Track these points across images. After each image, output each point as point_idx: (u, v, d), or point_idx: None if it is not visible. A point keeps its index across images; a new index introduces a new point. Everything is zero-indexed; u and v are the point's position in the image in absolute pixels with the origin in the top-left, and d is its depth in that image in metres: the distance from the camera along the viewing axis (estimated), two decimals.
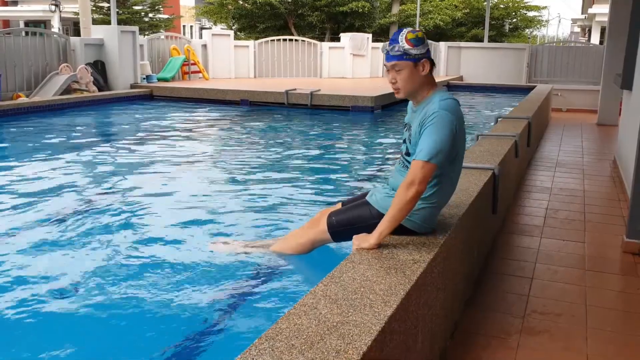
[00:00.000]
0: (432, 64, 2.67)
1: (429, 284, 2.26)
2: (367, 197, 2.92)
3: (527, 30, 33.54)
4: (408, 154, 2.68)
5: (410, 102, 2.76)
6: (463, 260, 2.94)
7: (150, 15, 31.64)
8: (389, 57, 2.61)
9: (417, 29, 2.63)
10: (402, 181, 2.50)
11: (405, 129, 2.75)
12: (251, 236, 3.82)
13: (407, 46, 2.56)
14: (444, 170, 2.58)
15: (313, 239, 3.10)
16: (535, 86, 12.10)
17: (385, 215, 2.50)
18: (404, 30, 2.62)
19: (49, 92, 10.46)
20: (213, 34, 15.45)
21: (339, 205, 3.17)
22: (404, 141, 2.74)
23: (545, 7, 33.74)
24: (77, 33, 25.89)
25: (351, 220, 2.88)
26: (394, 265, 2.21)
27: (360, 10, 23.32)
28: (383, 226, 2.46)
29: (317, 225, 3.07)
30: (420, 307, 2.15)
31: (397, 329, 1.87)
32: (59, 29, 27.62)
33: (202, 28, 43.53)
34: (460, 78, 14.91)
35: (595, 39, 34.37)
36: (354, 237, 2.49)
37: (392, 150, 7.56)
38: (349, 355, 1.55)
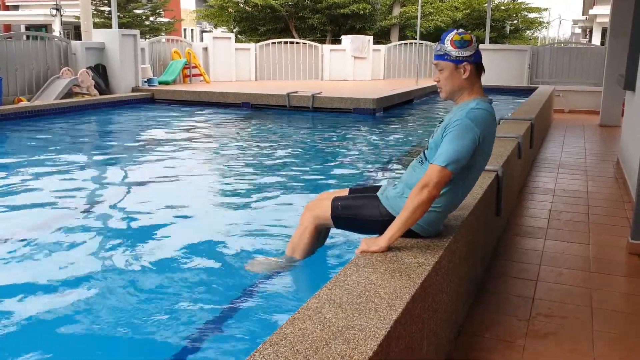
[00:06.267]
0: (479, 69, 2.64)
1: (434, 287, 2.24)
2: (378, 193, 2.84)
3: (528, 31, 33.48)
4: (428, 149, 2.65)
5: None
6: (467, 263, 2.92)
7: (151, 18, 31.67)
8: (434, 55, 2.64)
9: (467, 31, 2.62)
10: (416, 184, 2.46)
11: (439, 124, 2.71)
12: (251, 237, 3.79)
13: (449, 47, 2.56)
14: (455, 178, 2.53)
15: (314, 220, 2.97)
16: (537, 87, 12.08)
17: (397, 219, 2.46)
18: (454, 30, 2.61)
19: (50, 96, 10.47)
20: (214, 37, 15.45)
21: (345, 191, 3.09)
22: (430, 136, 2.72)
23: (546, 8, 33.70)
24: (78, 37, 25.94)
25: (357, 211, 2.80)
26: (399, 269, 2.19)
27: (361, 12, 23.30)
28: (394, 229, 2.42)
29: (319, 206, 2.96)
30: (425, 311, 2.12)
31: (403, 333, 1.84)
32: (60, 33, 27.67)
33: (202, 31, 43.57)
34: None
35: (596, 39, 34.34)
36: (363, 240, 2.45)
37: (394, 152, 7.54)
38: None
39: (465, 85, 2.62)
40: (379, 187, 2.95)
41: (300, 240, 3.05)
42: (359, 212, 2.80)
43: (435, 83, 2.69)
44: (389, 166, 6.56)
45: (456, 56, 2.56)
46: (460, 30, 2.62)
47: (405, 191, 2.68)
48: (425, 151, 2.68)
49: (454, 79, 2.59)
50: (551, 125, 10.39)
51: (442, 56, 2.59)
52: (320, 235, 3.09)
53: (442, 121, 2.69)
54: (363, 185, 3.23)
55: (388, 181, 3.11)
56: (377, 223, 2.69)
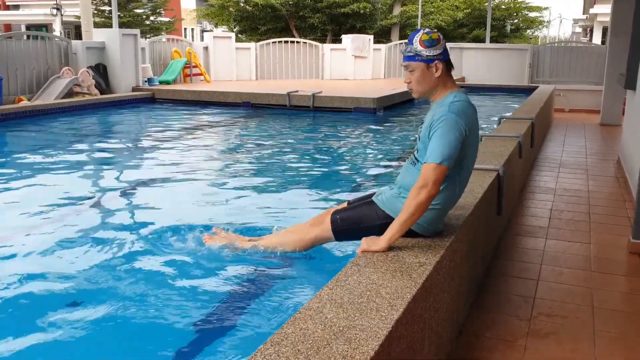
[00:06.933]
0: (449, 66, 2.65)
1: (435, 286, 2.24)
2: (373, 198, 2.87)
3: (529, 30, 33.49)
4: (418, 151, 2.67)
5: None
6: (468, 262, 2.92)
7: (152, 18, 31.67)
8: (403, 57, 2.63)
9: (434, 30, 2.63)
10: (414, 185, 2.47)
11: (421, 125, 2.73)
12: (250, 235, 3.78)
13: (419, 47, 2.56)
14: (450, 174, 2.54)
15: (315, 237, 3.05)
16: (538, 87, 12.07)
17: (396, 219, 2.46)
18: (421, 30, 2.62)
19: (50, 96, 10.46)
20: (214, 37, 15.44)
21: (345, 205, 3.14)
22: (417, 138, 2.74)
23: (547, 7, 33.72)
24: (78, 36, 25.94)
25: (356, 220, 2.83)
26: (400, 268, 2.19)
27: (362, 11, 23.30)
28: (394, 229, 2.43)
29: (321, 223, 3.01)
30: (427, 311, 2.12)
31: (404, 333, 1.84)
32: (60, 32, 27.68)
33: (203, 31, 43.58)
34: (462, 79, 14.87)
35: (596, 38, 34.32)
36: (363, 239, 2.45)
37: (394, 152, 7.53)
38: None
39: (438, 84, 2.63)
40: (373, 193, 2.97)
41: (289, 247, 3.15)
42: (358, 220, 2.83)
43: (406, 84, 2.68)
44: (390, 165, 6.56)
45: (427, 55, 2.57)
46: (427, 29, 2.62)
47: (401, 192, 2.70)
48: (415, 153, 2.69)
49: (425, 78, 2.60)
50: (552, 125, 10.38)
51: (412, 57, 2.58)
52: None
53: (423, 122, 2.71)
54: (359, 196, 3.25)
55: (382, 186, 3.14)
56: (376, 227, 2.70)
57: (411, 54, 2.58)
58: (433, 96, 2.66)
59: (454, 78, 2.71)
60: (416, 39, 2.58)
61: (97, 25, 23.88)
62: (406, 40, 2.67)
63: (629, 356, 2.57)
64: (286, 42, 16.52)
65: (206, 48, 14.93)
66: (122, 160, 6.84)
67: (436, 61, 2.59)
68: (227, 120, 10.22)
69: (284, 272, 3.19)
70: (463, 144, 2.52)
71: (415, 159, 2.67)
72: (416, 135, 2.75)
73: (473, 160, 2.70)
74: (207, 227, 4.07)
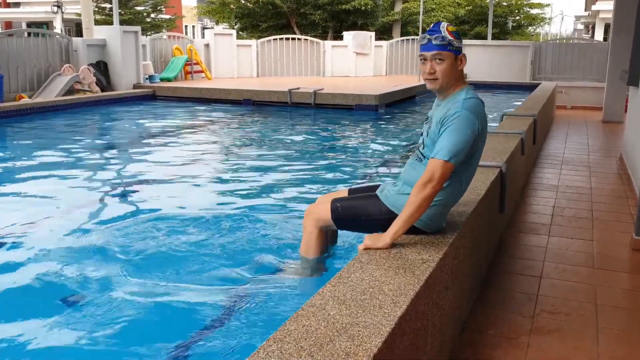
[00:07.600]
0: None
1: (438, 283, 2.23)
2: (377, 192, 2.81)
3: (531, 27, 33.47)
4: (424, 147, 2.63)
5: (436, 97, 2.71)
6: (471, 259, 2.91)
7: (153, 15, 31.69)
8: (431, 46, 2.54)
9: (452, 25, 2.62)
10: (419, 180, 2.44)
11: (426, 121, 2.69)
12: (253, 234, 3.78)
13: (450, 37, 2.53)
14: (456, 170, 2.50)
15: (315, 221, 2.94)
16: (540, 83, 12.04)
17: (400, 214, 2.44)
18: (442, 23, 2.59)
19: (51, 93, 10.46)
20: (215, 34, 15.43)
21: (345, 192, 3.07)
22: (422, 134, 2.70)
23: (549, 4, 33.61)
24: (79, 34, 25.93)
25: (358, 211, 2.77)
26: (403, 265, 2.17)
27: (363, 8, 23.27)
28: (398, 225, 2.40)
29: (318, 210, 2.93)
30: (430, 308, 2.11)
31: (407, 329, 1.83)
32: (61, 30, 27.65)
33: (204, 28, 43.56)
34: (464, 76, 14.84)
35: (598, 35, 34.27)
36: (367, 236, 2.42)
37: (396, 149, 7.52)
38: (359, 357, 1.52)
39: (458, 76, 2.61)
40: (377, 186, 2.91)
41: (308, 246, 3.02)
42: (360, 212, 2.77)
43: (429, 75, 2.56)
44: (391, 162, 6.55)
45: (457, 46, 2.55)
46: (446, 22, 2.60)
47: (405, 189, 2.66)
48: (421, 149, 2.64)
49: (453, 69, 2.57)
50: (554, 122, 10.36)
51: (444, 46, 2.53)
52: (327, 235, 3.07)
53: (428, 118, 2.67)
54: (362, 186, 3.18)
55: (386, 180, 3.09)
56: (378, 221, 2.67)
57: (444, 42, 2.51)
58: (448, 91, 2.61)
59: None
60: (443, 30, 2.53)
61: (97, 22, 23.87)
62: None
63: (632, 353, 2.56)
64: (287, 39, 16.50)
65: (207, 45, 14.92)
66: (123, 157, 6.84)
67: (461, 54, 2.58)
68: (228, 117, 10.21)
69: (286, 269, 3.18)
70: (474, 141, 2.49)
71: (422, 154, 2.62)
72: (422, 131, 2.71)
73: (479, 157, 2.66)
74: (208, 222, 4.08)
